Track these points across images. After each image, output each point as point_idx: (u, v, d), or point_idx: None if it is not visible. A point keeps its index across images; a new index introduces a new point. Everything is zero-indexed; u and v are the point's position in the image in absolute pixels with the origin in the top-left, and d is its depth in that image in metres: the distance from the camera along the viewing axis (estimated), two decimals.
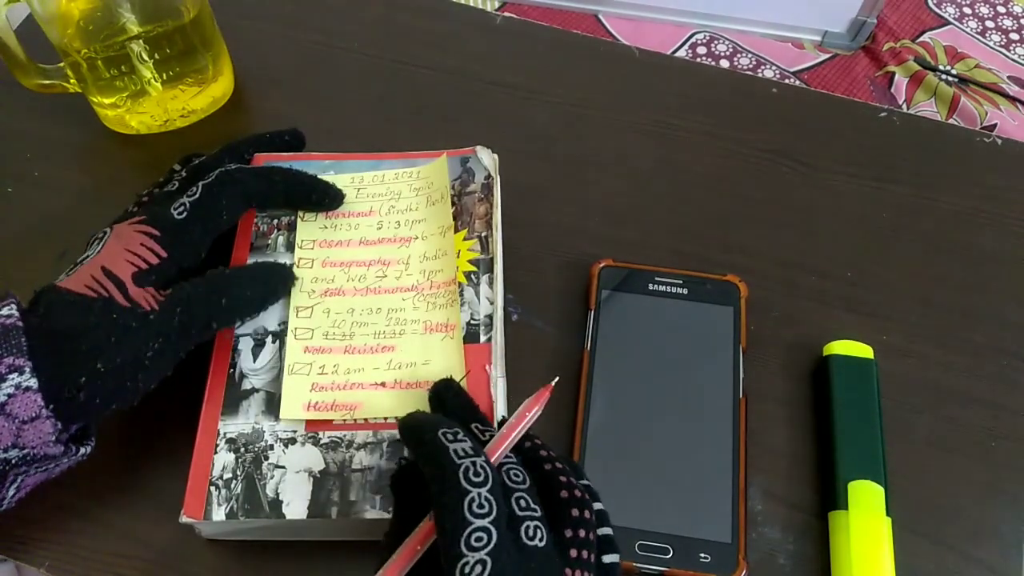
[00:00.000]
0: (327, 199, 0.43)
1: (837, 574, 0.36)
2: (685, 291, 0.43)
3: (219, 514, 0.34)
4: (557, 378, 0.35)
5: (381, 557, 0.29)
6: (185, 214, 0.37)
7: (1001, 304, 0.45)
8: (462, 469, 0.28)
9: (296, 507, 0.34)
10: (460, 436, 0.29)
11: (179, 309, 0.35)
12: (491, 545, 0.27)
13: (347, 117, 0.52)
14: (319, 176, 0.43)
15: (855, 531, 0.36)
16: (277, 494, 0.34)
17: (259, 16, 0.57)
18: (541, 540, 0.28)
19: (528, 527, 0.29)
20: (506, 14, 0.58)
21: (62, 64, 0.48)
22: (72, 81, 0.48)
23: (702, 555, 0.36)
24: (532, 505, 0.29)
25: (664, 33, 1.37)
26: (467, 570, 0.26)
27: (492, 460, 0.30)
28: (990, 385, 0.42)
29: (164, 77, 0.48)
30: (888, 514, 0.36)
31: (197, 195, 0.38)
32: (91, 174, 0.50)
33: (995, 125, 1.23)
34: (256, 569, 0.36)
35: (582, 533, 0.30)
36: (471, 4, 0.93)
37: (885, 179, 0.49)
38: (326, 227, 0.43)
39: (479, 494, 0.28)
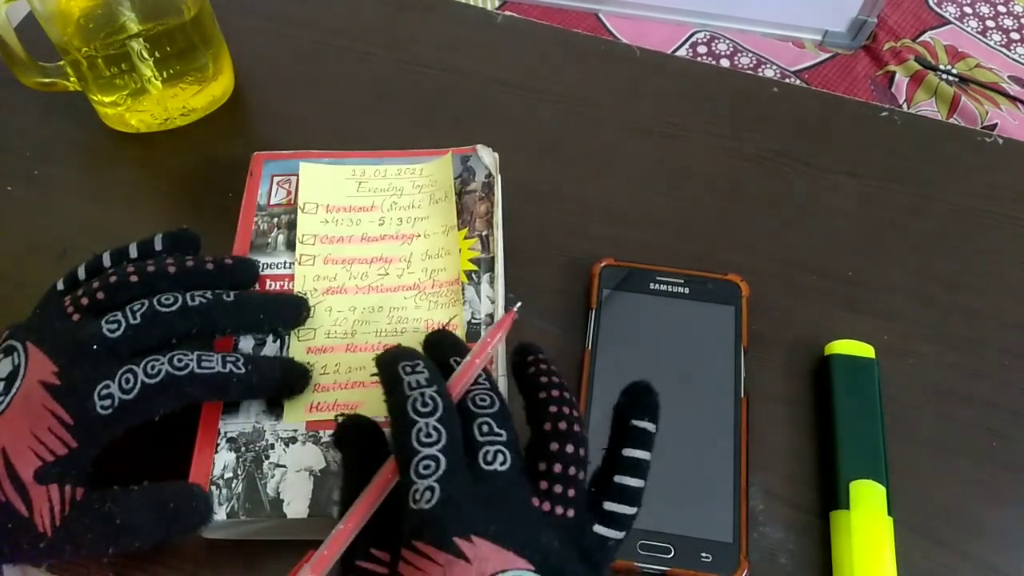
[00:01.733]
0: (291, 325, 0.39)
1: (839, 574, 0.36)
2: (686, 290, 0.43)
3: (220, 513, 0.34)
4: (519, 303, 0.36)
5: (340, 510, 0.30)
6: (111, 411, 0.31)
7: (1002, 304, 0.45)
8: (410, 401, 0.28)
9: (297, 506, 0.34)
10: (418, 368, 0.30)
11: (75, 537, 0.31)
12: (439, 472, 0.27)
13: (347, 116, 0.52)
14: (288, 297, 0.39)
15: (857, 531, 0.36)
16: (278, 493, 0.34)
17: (259, 15, 0.56)
18: (503, 464, 0.29)
19: (488, 452, 0.29)
20: (507, 13, 0.58)
21: (62, 62, 0.48)
22: (72, 79, 0.48)
23: (703, 555, 0.36)
24: (496, 430, 0.29)
25: (664, 32, 1.37)
26: (417, 496, 0.27)
27: (459, 387, 0.31)
28: (991, 385, 0.42)
29: (164, 75, 0.48)
30: (890, 514, 0.36)
31: (133, 393, 0.32)
32: (91, 173, 0.50)
33: (996, 125, 1.23)
34: (256, 569, 0.36)
35: (558, 468, 0.29)
36: (472, 3, 0.92)
37: (886, 178, 0.49)
38: (327, 221, 0.42)
39: (427, 424, 0.28)
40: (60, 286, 0.36)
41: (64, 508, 0.31)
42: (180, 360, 0.33)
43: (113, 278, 0.34)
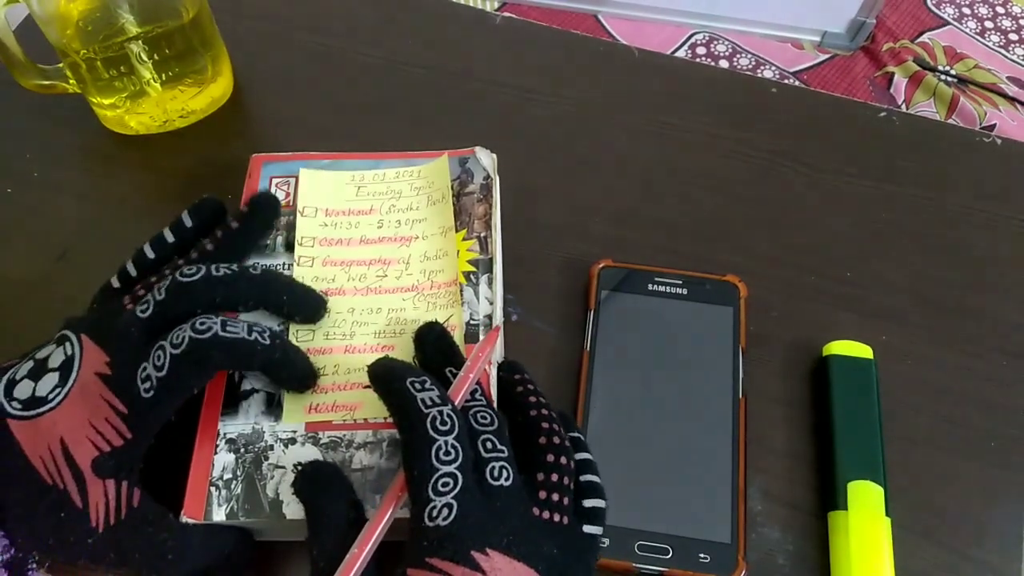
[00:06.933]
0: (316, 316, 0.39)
1: (836, 574, 0.36)
2: (685, 291, 0.43)
3: (219, 514, 0.34)
4: (502, 318, 0.37)
5: (316, 564, 0.30)
6: (152, 393, 0.31)
7: (1001, 304, 0.45)
8: (429, 419, 0.29)
9: (296, 507, 0.34)
10: (428, 385, 0.31)
11: (122, 549, 0.31)
12: (457, 489, 0.29)
13: (346, 117, 0.52)
14: (306, 286, 0.39)
15: (854, 531, 0.36)
16: (277, 494, 0.34)
17: (258, 16, 0.57)
18: (507, 479, 0.30)
19: (493, 468, 0.30)
20: (506, 14, 0.58)
21: (61, 65, 0.48)
22: (71, 81, 0.48)
23: (701, 555, 0.36)
24: (499, 446, 0.31)
25: (664, 33, 1.37)
26: (434, 514, 0.28)
27: (456, 402, 0.32)
28: (990, 385, 0.42)
29: (163, 77, 0.48)
30: (887, 514, 0.36)
31: (165, 369, 0.31)
32: (90, 174, 0.50)
33: (994, 125, 1.23)
34: (256, 569, 0.36)
35: (555, 477, 0.31)
36: (471, 4, 0.93)
37: (884, 179, 0.49)
38: (326, 224, 0.42)
39: (446, 442, 0.29)
40: (116, 284, 0.37)
41: (120, 506, 0.31)
42: (203, 324, 0.32)
43: (161, 295, 0.33)
